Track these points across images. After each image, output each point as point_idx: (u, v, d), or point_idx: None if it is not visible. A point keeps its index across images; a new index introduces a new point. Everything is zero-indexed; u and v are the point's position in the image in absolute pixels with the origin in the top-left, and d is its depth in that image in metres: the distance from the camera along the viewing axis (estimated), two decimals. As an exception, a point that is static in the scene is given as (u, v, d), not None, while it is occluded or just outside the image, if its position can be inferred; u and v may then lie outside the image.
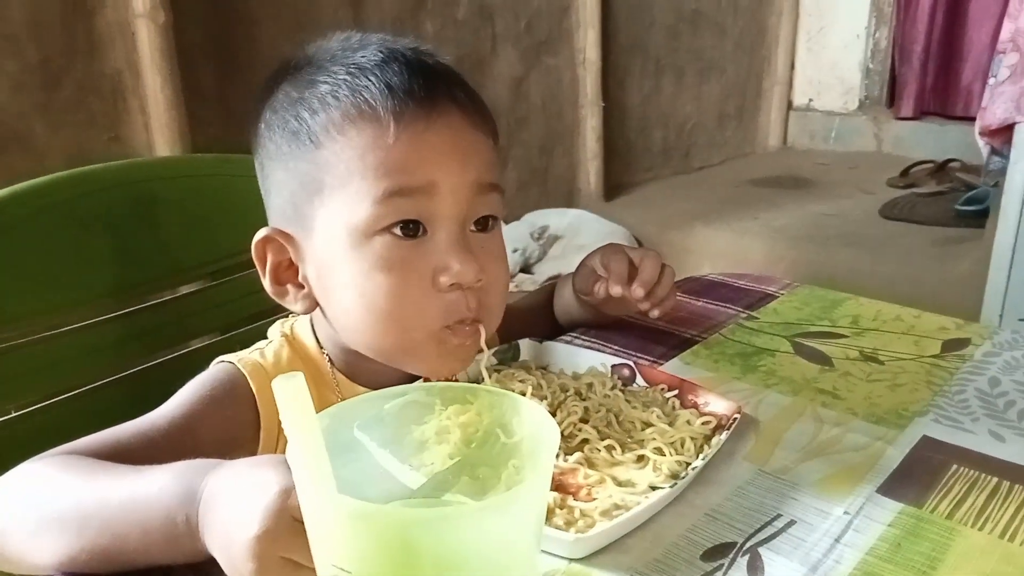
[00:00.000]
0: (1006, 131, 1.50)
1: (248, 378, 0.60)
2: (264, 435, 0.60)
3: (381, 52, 0.57)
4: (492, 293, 0.59)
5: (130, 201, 0.76)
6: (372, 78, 0.55)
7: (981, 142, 1.60)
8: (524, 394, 0.58)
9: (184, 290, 0.82)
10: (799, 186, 2.82)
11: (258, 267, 0.60)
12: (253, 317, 0.83)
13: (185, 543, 0.43)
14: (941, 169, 2.64)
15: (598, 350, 0.70)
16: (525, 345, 0.68)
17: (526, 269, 2.33)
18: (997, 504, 0.52)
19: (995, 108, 1.50)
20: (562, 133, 2.56)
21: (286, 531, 0.35)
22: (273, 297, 0.61)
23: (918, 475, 0.55)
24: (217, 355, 0.63)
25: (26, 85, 1.44)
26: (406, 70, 0.56)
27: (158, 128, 1.59)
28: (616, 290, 0.69)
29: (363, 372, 0.63)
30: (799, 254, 2.26)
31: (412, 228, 0.56)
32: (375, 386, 0.57)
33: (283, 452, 0.58)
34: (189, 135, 1.62)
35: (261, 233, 0.59)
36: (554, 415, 0.57)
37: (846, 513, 0.51)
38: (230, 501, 0.41)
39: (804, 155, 3.20)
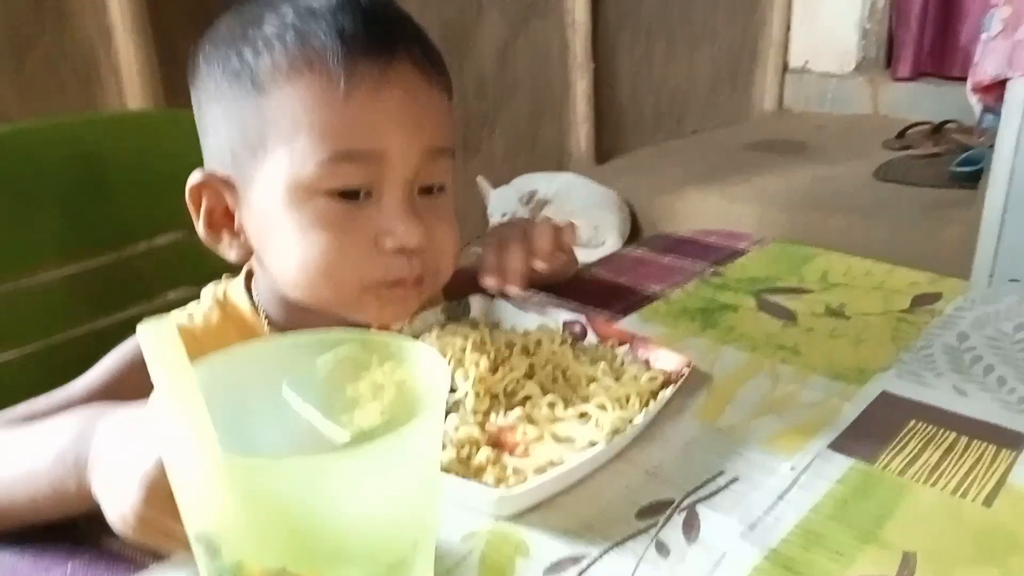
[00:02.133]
0: (998, 87, 1.46)
1: None
2: None
3: (314, 4, 0.53)
4: (438, 255, 0.57)
5: (77, 158, 0.73)
6: (323, 23, 0.52)
7: (973, 99, 1.56)
8: (464, 350, 0.56)
9: (134, 248, 0.79)
10: (794, 150, 2.77)
11: (192, 212, 0.58)
12: (210, 276, 0.81)
13: (76, 507, 0.42)
14: (938, 131, 2.59)
15: (554, 307, 0.68)
16: (476, 301, 0.66)
17: (514, 235, 2.30)
18: (953, 460, 0.49)
19: (986, 63, 1.45)
20: (551, 98, 2.52)
21: (164, 498, 0.33)
22: (206, 243, 0.59)
23: (873, 431, 0.52)
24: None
25: (-6, 51, 1.41)
26: (360, 17, 0.52)
27: (132, 95, 1.56)
28: (488, 283, 0.64)
29: (300, 325, 0.60)
30: (791, 218, 2.23)
31: (355, 193, 0.53)
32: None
33: None
34: (165, 103, 1.59)
35: (196, 177, 0.56)
36: (496, 371, 0.55)
37: (793, 469, 0.49)
38: (111, 466, 0.39)
39: (800, 118, 3.14)
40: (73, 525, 0.45)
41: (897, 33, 2.93)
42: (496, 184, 2.31)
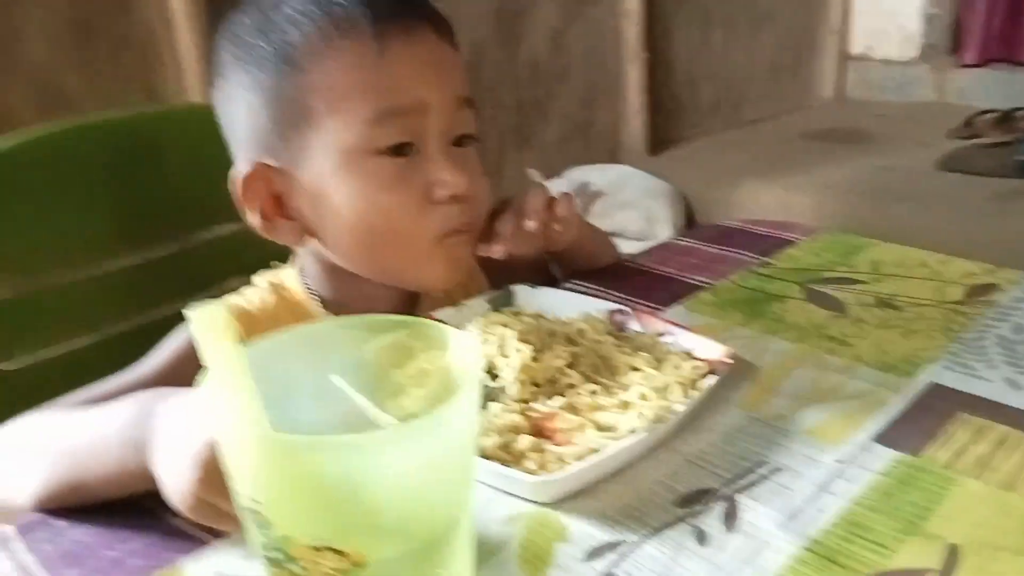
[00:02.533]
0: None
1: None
2: None
3: None
4: (477, 203, 0.61)
5: (136, 149, 0.76)
6: (345, 6, 0.54)
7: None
8: (508, 338, 0.57)
9: (195, 238, 0.82)
10: (854, 139, 2.71)
11: (242, 204, 0.59)
12: (268, 265, 0.83)
13: (139, 485, 0.44)
14: (1006, 119, 2.50)
15: (599, 297, 0.68)
16: (520, 291, 0.67)
17: (566, 226, 2.30)
18: (1003, 454, 0.48)
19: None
20: (605, 86, 2.50)
21: (218, 480, 0.35)
22: (263, 233, 0.61)
23: (920, 423, 0.52)
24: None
25: (62, 41, 1.46)
26: None
27: (192, 82, 1.60)
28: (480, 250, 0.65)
29: (359, 310, 0.62)
30: (850, 209, 2.18)
31: (404, 148, 0.56)
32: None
33: None
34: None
35: (245, 169, 0.58)
36: (539, 359, 0.56)
37: (838, 461, 0.48)
38: (168, 449, 0.41)
39: (861, 107, 3.06)
40: (140, 505, 0.47)
41: (963, 18, 2.83)
42: (548, 176, 2.31)
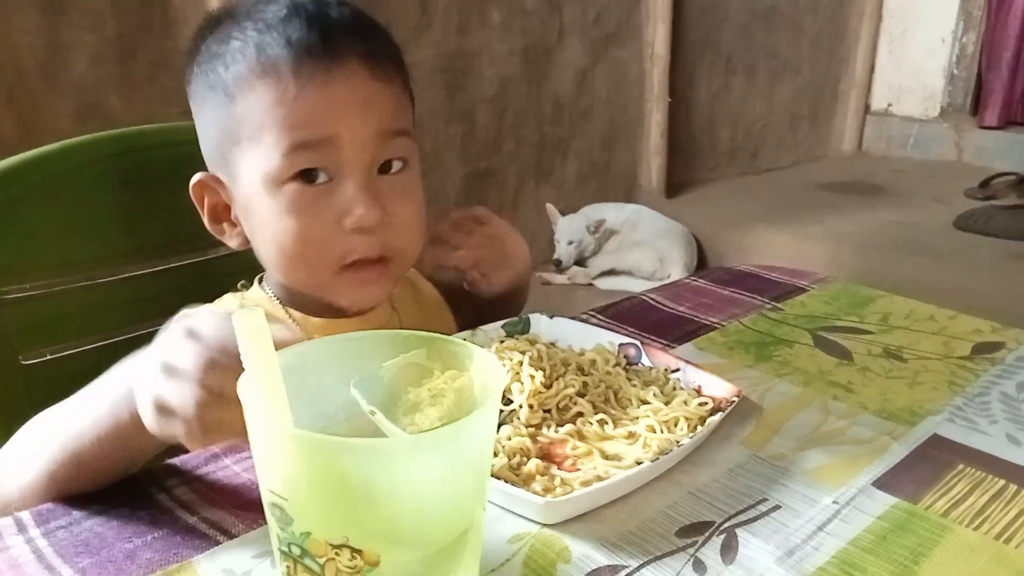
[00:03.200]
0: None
1: None
2: None
3: (286, 7, 0.60)
4: (400, 232, 0.63)
5: (169, 161, 0.79)
6: (275, 34, 0.59)
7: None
8: (521, 364, 0.58)
9: (223, 250, 0.84)
10: (871, 193, 2.73)
11: (198, 207, 0.66)
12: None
13: (135, 438, 0.47)
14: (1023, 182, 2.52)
15: (611, 330, 0.70)
16: (535, 319, 0.68)
17: (580, 262, 2.33)
18: (999, 506, 0.49)
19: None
20: (625, 127, 2.54)
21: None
22: (213, 234, 0.67)
23: (920, 472, 0.53)
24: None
25: (104, 58, 1.51)
26: (306, 25, 0.59)
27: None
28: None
29: (309, 303, 0.67)
30: (863, 261, 2.20)
31: (315, 176, 0.60)
32: (325, 313, 0.66)
33: None
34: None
35: (196, 177, 0.65)
36: (550, 386, 0.57)
37: (835, 503, 0.49)
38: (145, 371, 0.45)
39: (879, 161, 3.09)
40: (156, 502, 0.49)
41: (986, 79, 2.87)
42: (565, 211, 2.34)
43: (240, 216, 0.64)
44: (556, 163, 2.40)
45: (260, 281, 0.70)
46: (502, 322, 0.67)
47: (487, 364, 0.37)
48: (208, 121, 0.63)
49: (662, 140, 2.58)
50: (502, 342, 0.64)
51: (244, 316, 0.33)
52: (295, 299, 0.67)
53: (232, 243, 0.67)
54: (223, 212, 0.65)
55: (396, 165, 0.62)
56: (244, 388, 0.33)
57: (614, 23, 2.41)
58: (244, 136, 0.60)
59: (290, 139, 0.58)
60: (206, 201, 0.65)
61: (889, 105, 3.12)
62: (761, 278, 0.87)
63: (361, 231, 0.60)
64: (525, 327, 0.68)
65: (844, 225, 2.38)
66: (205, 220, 0.66)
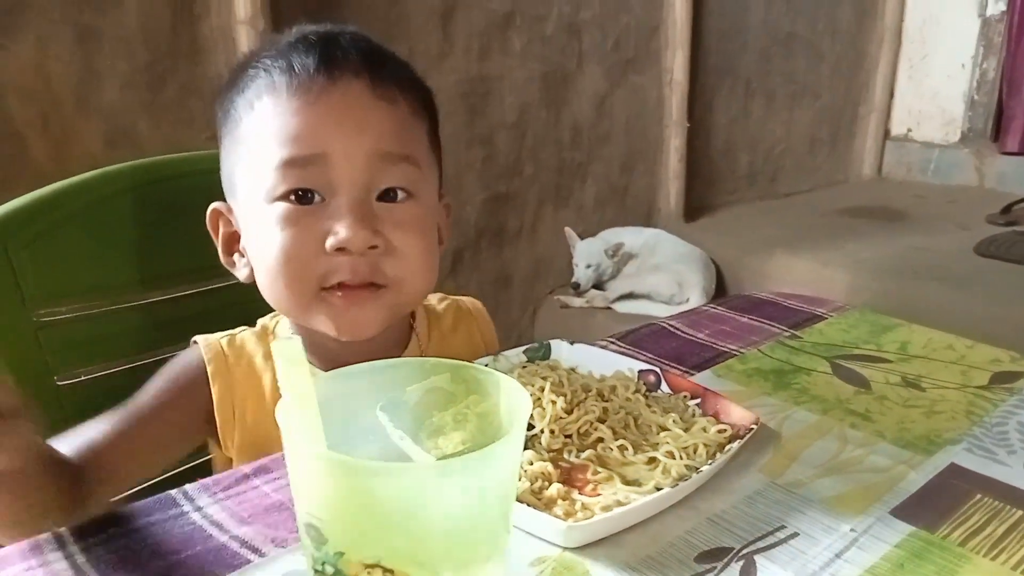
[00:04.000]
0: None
1: (207, 363, 0.65)
2: (219, 417, 0.65)
3: (296, 35, 0.62)
4: (400, 262, 0.61)
5: (200, 189, 0.81)
6: (281, 60, 0.60)
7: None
8: (543, 390, 0.60)
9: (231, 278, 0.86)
10: (891, 218, 2.73)
11: (213, 237, 0.67)
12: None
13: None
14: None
15: (631, 356, 0.71)
16: (555, 345, 0.70)
17: (599, 286, 2.34)
18: (1017, 537, 0.50)
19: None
20: (644, 152, 2.56)
21: None
22: (225, 265, 0.68)
23: (937, 501, 0.53)
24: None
25: (134, 84, 1.55)
26: (309, 48, 0.61)
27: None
28: None
29: (316, 350, 0.64)
30: (883, 287, 2.19)
31: (306, 195, 0.59)
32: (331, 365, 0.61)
33: (239, 436, 0.65)
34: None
35: (211, 207, 0.66)
36: (571, 412, 0.59)
37: (852, 531, 0.50)
38: None
39: (899, 187, 3.09)
40: (191, 520, 0.50)
41: (1007, 105, 2.86)
42: (583, 235, 2.36)
43: (243, 242, 0.65)
44: (575, 187, 2.42)
45: None
46: (523, 348, 0.69)
47: (513, 392, 0.38)
48: (223, 149, 0.65)
49: (681, 164, 2.59)
50: (524, 367, 0.65)
51: (283, 344, 0.35)
52: (313, 347, 0.65)
53: (240, 274, 0.67)
54: (234, 242, 0.67)
55: (399, 195, 0.61)
56: (282, 413, 0.34)
57: (633, 49, 2.43)
58: (244, 154, 0.62)
59: (282, 154, 0.58)
60: (220, 231, 0.67)
61: (909, 130, 3.11)
62: (780, 305, 0.88)
63: (345, 253, 0.58)
64: (546, 353, 0.70)
65: (864, 251, 2.38)
66: (219, 251, 0.67)
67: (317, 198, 0.59)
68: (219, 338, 0.68)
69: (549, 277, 2.40)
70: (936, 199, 2.89)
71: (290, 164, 0.58)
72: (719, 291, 2.40)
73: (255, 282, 0.65)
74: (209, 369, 0.65)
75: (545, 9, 2.20)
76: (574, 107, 2.34)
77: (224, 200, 0.67)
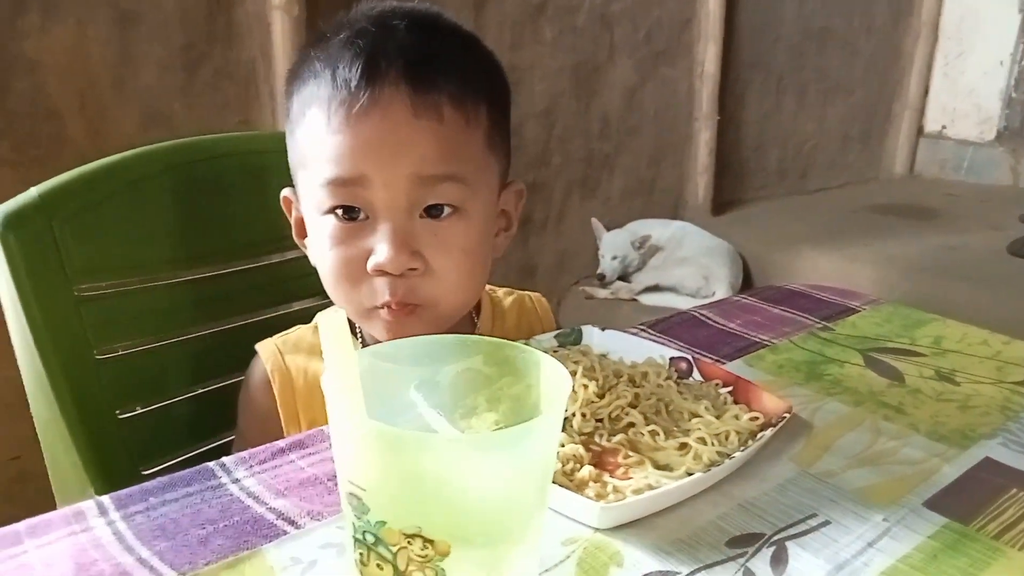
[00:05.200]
0: None
1: (264, 363, 0.69)
2: (283, 412, 0.68)
3: (348, 33, 0.60)
4: (437, 283, 0.61)
5: (237, 170, 0.82)
6: (328, 68, 0.60)
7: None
8: (575, 374, 0.60)
9: (288, 255, 0.87)
10: (922, 216, 2.69)
11: (288, 218, 0.70)
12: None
13: None
14: (1083, 208, 2.46)
15: (662, 344, 0.71)
16: (587, 331, 0.70)
17: (624, 277, 2.33)
18: (1053, 531, 0.50)
19: None
20: (673, 145, 2.55)
21: None
22: (299, 244, 0.70)
23: (971, 494, 0.53)
24: (306, 319, 0.73)
25: (171, 67, 1.57)
26: (354, 58, 0.58)
27: (284, 114, 1.69)
28: None
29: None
30: (912, 285, 2.17)
31: (351, 213, 0.60)
32: None
33: (300, 428, 0.65)
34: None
35: (283, 192, 0.69)
36: (603, 397, 0.59)
37: (885, 520, 0.50)
38: None
39: (932, 184, 3.05)
40: (229, 492, 0.51)
41: (1044, 103, 2.81)
42: (610, 226, 2.35)
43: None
44: (603, 178, 2.42)
45: None
46: (555, 333, 0.69)
47: (554, 370, 0.38)
48: (288, 136, 0.67)
49: (710, 158, 2.58)
50: (555, 352, 0.66)
51: (328, 316, 0.35)
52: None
53: (310, 255, 0.69)
54: (302, 226, 0.68)
55: (445, 211, 0.60)
56: (327, 384, 0.35)
57: (664, 41, 2.42)
58: (300, 161, 0.64)
59: (325, 173, 0.60)
60: (293, 214, 0.69)
61: (943, 128, 3.07)
62: (812, 297, 0.87)
63: (383, 275, 0.60)
64: (577, 338, 0.70)
65: (894, 248, 2.36)
66: (294, 232, 0.70)
67: (362, 215, 0.60)
68: (274, 339, 0.71)
69: (574, 268, 2.40)
70: (969, 198, 2.84)
71: (334, 183, 0.60)
72: (746, 285, 2.38)
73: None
74: (268, 367, 0.68)
75: (577, 0, 2.19)
76: (604, 98, 2.33)
77: (277, 179, 0.70)
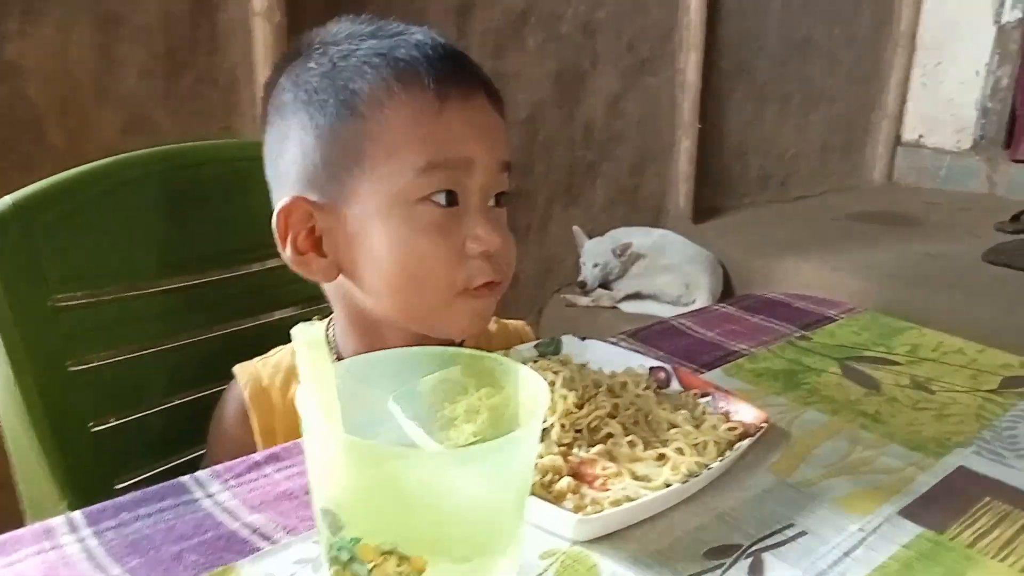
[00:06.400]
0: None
1: (243, 389, 0.67)
2: (262, 440, 0.66)
3: (409, 32, 0.62)
4: (507, 260, 0.64)
5: (216, 178, 0.82)
6: (413, 54, 0.60)
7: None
8: (554, 384, 0.60)
9: (268, 263, 0.86)
10: (900, 224, 2.72)
11: (278, 236, 0.63)
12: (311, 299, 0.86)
13: None
14: (1057, 216, 2.50)
15: (641, 353, 0.71)
16: (567, 341, 0.70)
17: (605, 285, 2.34)
18: (1026, 540, 0.50)
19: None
20: (655, 153, 2.56)
21: None
22: (293, 266, 0.64)
23: (946, 502, 0.53)
24: (285, 328, 0.69)
25: (153, 73, 1.56)
26: (442, 52, 0.61)
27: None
28: None
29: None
30: (892, 293, 2.19)
31: (451, 198, 0.60)
32: None
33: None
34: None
35: (285, 201, 0.62)
36: (582, 407, 0.59)
37: (861, 530, 0.50)
38: None
39: (910, 193, 3.08)
40: (201, 507, 0.51)
41: (1020, 113, 2.85)
42: (592, 234, 2.36)
43: (342, 243, 0.62)
44: (585, 186, 2.43)
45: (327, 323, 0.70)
46: (534, 343, 0.69)
47: (531, 381, 0.38)
48: (311, 142, 0.61)
49: (691, 166, 2.59)
50: (535, 362, 0.66)
51: (303, 329, 0.35)
52: (359, 352, 0.65)
53: (318, 276, 0.64)
54: (308, 241, 0.63)
55: (504, 199, 0.65)
56: (301, 398, 0.34)
57: (647, 50, 2.43)
58: (370, 153, 0.59)
59: (429, 157, 0.59)
60: (290, 230, 0.63)
61: (920, 136, 3.11)
62: (790, 306, 0.88)
63: (486, 256, 0.62)
64: (557, 348, 0.70)
65: (873, 256, 2.38)
66: (286, 251, 0.63)
67: (455, 199, 0.61)
68: (254, 362, 0.69)
69: (557, 276, 2.40)
70: (946, 206, 2.88)
71: (439, 167, 0.59)
72: (727, 293, 2.40)
73: (331, 282, 0.65)
74: (246, 394, 0.66)
75: (561, 8, 2.20)
76: (587, 106, 2.34)
77: (263, 188, 0.66)
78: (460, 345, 0.68)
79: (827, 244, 2.47)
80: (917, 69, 3.05)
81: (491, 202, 0.64)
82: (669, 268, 2.30)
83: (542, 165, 2.28)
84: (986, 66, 2.89)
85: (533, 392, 0.37)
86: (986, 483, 0.56)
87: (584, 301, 2.31)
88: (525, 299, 2.34)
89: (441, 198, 0.60)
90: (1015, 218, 2.57)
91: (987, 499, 0.54)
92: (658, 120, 2.53)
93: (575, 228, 2.36)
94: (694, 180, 2.62)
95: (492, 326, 0.79)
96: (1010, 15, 2.82)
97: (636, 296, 2.30)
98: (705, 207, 2.69)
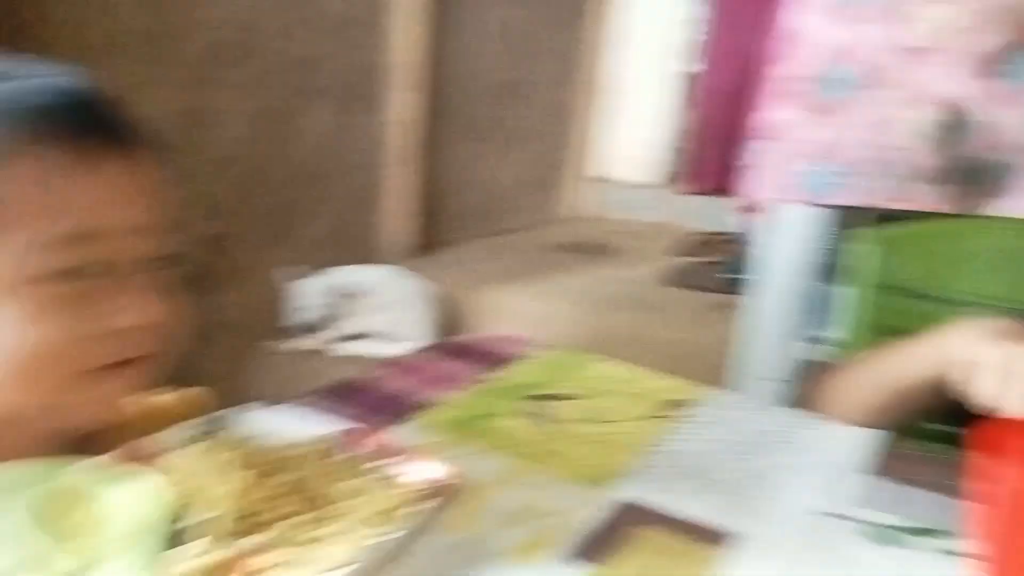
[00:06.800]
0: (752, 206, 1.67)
1: None
2: None
3: (46, 76, 0.54)
4: (167, 329, 0.57)
5: None
6: (47, 100, 0.52)
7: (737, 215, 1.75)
8: (218, 468, 0.55)
9: None
10: (594, 252, 2.98)
11: None
12: None
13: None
14: (709, 241, 2.90)
15: (322, 417, 0.68)
16: (240, 414, 0.65)
17: (318, 327, 2.27)
18: (685, 562, 0.54)
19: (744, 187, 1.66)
20: (369, 190, 2.56)
21: None
22: None
23: (609, 535, 0.57)
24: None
25: None
26: (78, 96, 0.54)
27: None
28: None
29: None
30: (587, 317, 2.36)
31: (83, 272, 0.52)
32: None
33: None
34: None
35: None
36: (250, 490, 0.54)
37: (531, 582, 0.52)
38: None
39: (597, 223, 3.40)
40: None
41: (695, 151, 3.26)
42: (304, 275, 2.28)
43: None
44: (297, 226, 2.35)
45: None
46: (204, 418, 0.63)
47: (140, 488, 0.34)
48: None
49: (406, 203, 2.62)
50: (195, 442, 0.60)
51: None
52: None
53: None
54: None
55: (168, 261, 0.57)
56: None
57: (360, 88, 2.43)
58: None
59: (58, 228, 0.50)
60: None
61: (610, 172, 3.45)
62: (475, 350, 0.90)
63: (139, 330, 0.54)
64: (221, 425, 0.64)
65: (571, 284, 2.57)
66: None
67: (92, 271, 0.52)
68: None
69: (264, 323, 2.29)
70: (632, 235, 3.21)
71: (69, 238, 0.51)
72: (448, 328, 2.44)
73: None
74: None
75: (268, 42, 2.12)
76: (297, 145, 2.28)
77: None
78: (97, 435, 0.59)
79: (535, 275, 2.62)
80: (604, 110, 3.39)
81: (154, 266, 0.56)
82: (389, 306, 2.29)
83: (248, 206, 2.18)
84: (667, 109, 3.30)
85: (142, 500, 0.33)
86: (644, 513, 0.60)
87: (295, 347, 2.23)
88: (224, 352, 2.19)
89: (78, 272, 0.52)
90: (680, 244, 2.94)
91: (648, 526, 0.58)
92: (371, 158, 2.53)
93: (281, 270, 2.27)
94: (411, 217, 2.66)
95: (137, 408, 0.66)
96: (689, 64, 3.24)
97: (350, 337, 2.27)
98: (421, 244, 2.74)
